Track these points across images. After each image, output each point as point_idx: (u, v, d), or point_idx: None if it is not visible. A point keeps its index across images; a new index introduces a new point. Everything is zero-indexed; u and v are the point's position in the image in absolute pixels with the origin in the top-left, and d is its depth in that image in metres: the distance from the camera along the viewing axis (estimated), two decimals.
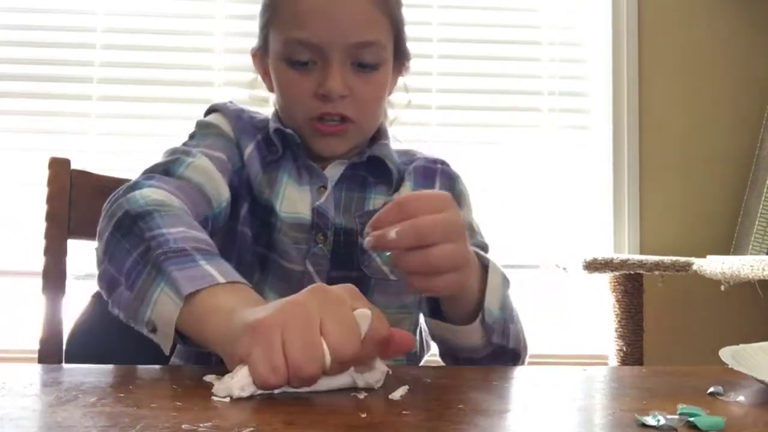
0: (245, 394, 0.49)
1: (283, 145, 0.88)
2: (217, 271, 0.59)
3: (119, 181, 1.03)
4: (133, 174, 1.04)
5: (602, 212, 2.15)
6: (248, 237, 0.85)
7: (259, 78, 0.93)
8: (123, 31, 2.11)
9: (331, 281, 0.82)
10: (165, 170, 0.78)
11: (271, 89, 0.91)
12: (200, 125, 0.90)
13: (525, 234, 2.10)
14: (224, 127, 0.88)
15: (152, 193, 0.70)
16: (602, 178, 2.16)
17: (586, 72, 2.21)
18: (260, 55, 0.91)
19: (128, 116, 2.09)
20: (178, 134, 0.94)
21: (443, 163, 0.96)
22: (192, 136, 0.89)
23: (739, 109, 2.16)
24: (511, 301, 0.79)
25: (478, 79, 2.17)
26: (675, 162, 2.15)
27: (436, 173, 0.94)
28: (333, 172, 0.89)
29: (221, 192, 0.81)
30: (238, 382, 0.49)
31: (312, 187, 0.87)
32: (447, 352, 0.81)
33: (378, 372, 0.54)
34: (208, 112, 0.92)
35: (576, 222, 2.15)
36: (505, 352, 0.77)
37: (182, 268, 0.59)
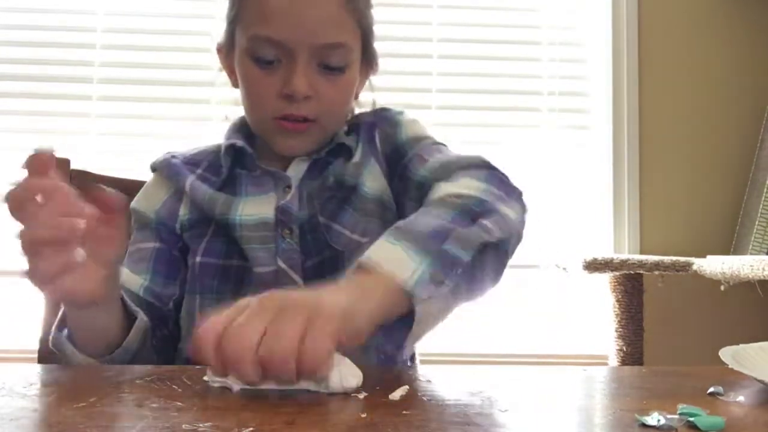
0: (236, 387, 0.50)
1: (236, 160, 0.88)
2: None
3: (119, 181, 1.03)
4: (132, 174, 1.04)
5: (602, 212, 2.15)
6: (211, 264, 0.84)
7: (224, 74, 0.92)
8: (123, 31, 2.11)
9: (307, 273, 0.83)
10: None
11: (235, 85, 0.90)
12: (131, 213, 0.90)
13: (525, 234, 2.09)
14: (153, 199, 0.89)
15: None
16: (602, 178, 2.16)
17: (586, 72, 2.21)
18: (225, 51, 0.90)
19: (128, 116, 2.09)
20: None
21: (382, 110, 0.94)
22: (131, 229, 0.90)
23: (739, 109, 2.15)
24: (427, 218, 0.66)
25: (478, 79, 2.17)
26: (675, 162, 2.15)
27: (375, 124, 0.91)
28: (297, 169, 0.88)
29: (132, 283, 0.83)
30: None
31: (277, 191, 0.87)
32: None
33: (354, 379, 0.53)
34: (151, 170, 0.93)
35: (576, 222, 2.15)
36: (475, 261, 0.65)
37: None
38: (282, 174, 0.87)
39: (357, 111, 0.96)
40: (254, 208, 0.85)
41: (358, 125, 0.92)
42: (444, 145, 0.89)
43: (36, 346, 0.93)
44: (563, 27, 2.21)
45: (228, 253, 0.85)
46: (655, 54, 2.16)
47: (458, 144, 2.33)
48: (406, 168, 0.85)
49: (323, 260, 0.84)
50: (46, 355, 0.93)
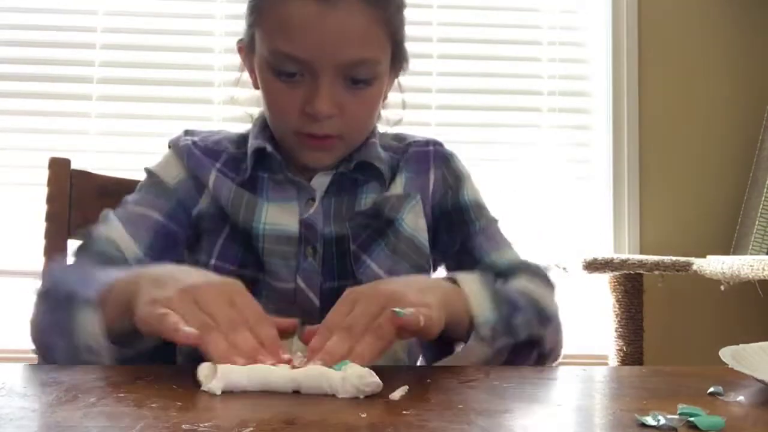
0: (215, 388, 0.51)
1: (259, 161, 0.84)
2: (115, 272, 0.67)
3: (119, 182, 1.03)
4: (132, 174, 1.04)
5: (602, 212, 2.15)
6: (225, 270, 0.81)
7: (246, 73, 0.88)
8: (123, 31, 2.11)
9: (324, 295, 0.81)
10: (82, 247, 0.82)
11: (256, 86, 0.86)
12: (146, 173, 0.88)
13: (525, 234, 2.10)
14: (168, 176, 0.86)
15: (61, 272, 0.77)
16: (602, 178, 2.16)
17: (586, 72, 2.21)
18: (246, 50, 0.85)
19: (128, 116, 2.09)
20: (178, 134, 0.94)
21: (436, 143, 0.93)
22: (138, 188, 0.88)
23: (739, 109, 2.15)
24: (509, 291, 0.74)
25: (478, 79, 2.17)
26: (675, 162, 2.15)
27: (429, 156, 0.90)
28: (320, 181, 0.85)
29: (127, 253, 0.80)
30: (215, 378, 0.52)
31: (300, 201, 0.84)
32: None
33: (373, 383, 0.53)
34: (168, 146, 0.90)
35: (576, 222, 2.15)
36: (520, 347, 0.72)
37: (83, 286, 0.65)
38: (306, 185, 0.84)
39: (384, 113, 0.92)
40: (278, 217, 0.82)
41: (403, 150, 0.90)
42: (494, 219, 0.91)
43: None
44: (563, 27, 2.21)
45: (243, 262, 0.82)
46: (655, 54, 2.16)
47: (458, 144, 2.33)
48: (470, 239, 0.87)
49: (344, 287, 0.79)
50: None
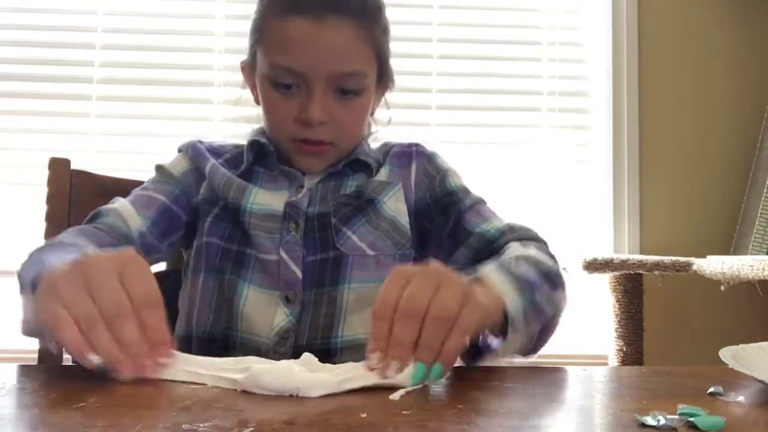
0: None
1: (255, 156, 0.92)
2: (53, 258, 0.67)
3: (119, 182, 1.03)
4: (132, 174, 1.05)
5: (602, 212, 2.15)
6: (214, 244, 0.88)
7: (248, 90, 0.97)
8: (123, 31, 2.11)
9: (306, 267, 0.86)
10: (87, 221, 0.87)
11: (257, 102, 0.95)
12: (155, 171, 0.95)
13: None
14: (173, 168, 0.94)
15: (40, 247, 0.79)
16: (602, 178, 2.16)
17: (586, 72, 2.21)
18: (248, 69, 0.95)
19: (128, 116, 2.09)
20: (179, 134, 0.95)
21: (417, 145, 0.99)
22: (148, 180, 0.95)
23: (739, 109, 2.16)
24: (519, 267, 0.73)
25: (478, 79, 2.17)
26: (675, 162, 2.15)
27: (411, 155, 0.96)
28: (312, 176, 0.92)
29: (131, 224, 0.86)
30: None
31: (290, 189, 0.91)
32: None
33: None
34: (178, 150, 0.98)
35: (576, 222, 2.15)
36: (549, 326, 0.76)
37: (30, 270, 0.68)
38: (297, 174, 0.91)
39: (374, 128, 1.00)
40: (266, 199, 0.89)
41: (386, 151, 0.97)
42: (480, 200, 0.95)
43: (36, 346, 0.93)
44: (563, 27, 2.21)
45: (230, 237, 0.88)
46: (655, 54, 2.16)
47: (458, 144, 2.30)
48: (461, 216, 0.91)
49: (326, 259, 0.87)
50: (46, 355, 0.93)
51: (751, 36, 2.17)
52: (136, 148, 2.06)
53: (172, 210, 0.90)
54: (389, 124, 1.02)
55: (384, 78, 0.94)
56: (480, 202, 0.94)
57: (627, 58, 2.14)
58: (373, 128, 1.01)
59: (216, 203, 0.90)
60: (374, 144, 0.99)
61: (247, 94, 0.97)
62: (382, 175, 0.93)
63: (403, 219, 0.91)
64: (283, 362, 0.56)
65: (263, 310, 0.84)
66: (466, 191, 0.95)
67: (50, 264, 0.64)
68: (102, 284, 0.56)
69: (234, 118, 2.07)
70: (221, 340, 0.84)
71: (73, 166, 1.02)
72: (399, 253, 0.90)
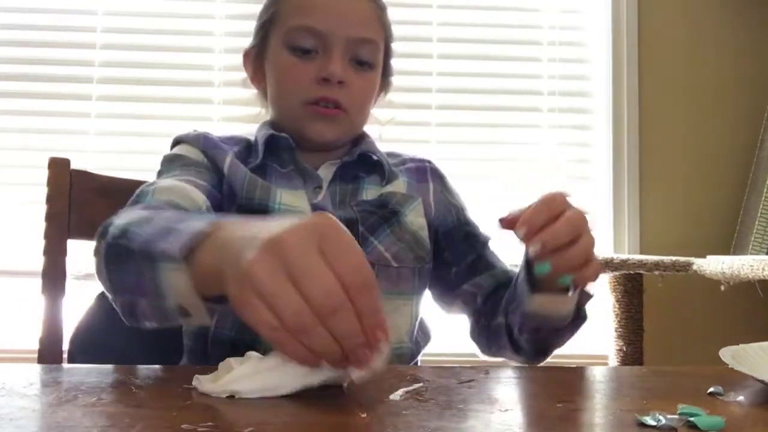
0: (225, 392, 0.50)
1: (268, 153, 0.90)
2: (198, 222, 0.58)
3: (119, 182, 1.03)
4: (132, 174, 1.04)
5: (602, 212, 2.15)
6: None
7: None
8: (123, 31, 2.11)
9: None
10: (133, 203, 0.78)
11: (259, 86, 0.96)
12: (165, 160, 0.90)
13: None
14: (191, 155, 0.89)
15: (122, 220, 0.68)
16: (602, 178, 2.16)
17: (586, 72, 2.21)
18: (253, 54, 0.96)
19: (128, 116, 2.09)
20: (178, 134, 0.94)
21: (429, 162, 1.03)
22: (159, 173, 0.88)
23: (739, 109, 2.15)
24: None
25: (478, 79, 2.17)
26: (675, 162, 2.15)
27: (426, 171, 1.00)
28: (325, 173, 0.92)
29: (196, 200, 0.79)
30: (225, 382, 0.50)
31: (307, 189, 0.90)
32: (532, 326, 0.80)
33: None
34: (174, 144, 0.93)
35: None
36: (581, 316, 0.81)
37: (166, 240, 0.58)
38: (314, 173, 0.91)
39: (378, 127, 1.03)
40: (290, 200, 0.88)
41: (401, 161, 0.99)
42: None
43: (36, 346, 0.93)
44: (563, 27, 2.21)
45: None
46: (656, 54, 2.16)
47: (458, 144, 2.30)
48: (484, 251, 0.96)
49: None
50: (46, 355, 0.93)
51: (751, 36, 2.17)
52: (136, 148, 2.06)
53: (213, 194, 0.86)
54: (392, 123, 1.04)
55: (386, 72, 0.98)
56: (490, 238, 0.98)
57: (627, 58, 2.14)
58: (376, 127, 1.02)
59: (233, 202, 0.87)
60: (379, 144, 0.99)
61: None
62: (401, 187, 0.95)
63: (424, 233, 0.93)
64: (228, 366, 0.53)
65: None
66: (478, 225, 0.99)
67: (197, 229, 0.56)
68: (308, 270, 0.46)
69: (234, 118, 2.07)
70: (243, 348, 0.81)
71: (73, 166, 1.02)
72: (419, 267, 0.91)
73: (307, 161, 0.92)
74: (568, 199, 0.70)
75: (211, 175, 0.88)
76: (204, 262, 0.55)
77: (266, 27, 0.93)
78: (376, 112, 1.01)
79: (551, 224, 0.67)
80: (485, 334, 0.90)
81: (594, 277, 0.72)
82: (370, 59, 0.91)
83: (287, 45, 0.89)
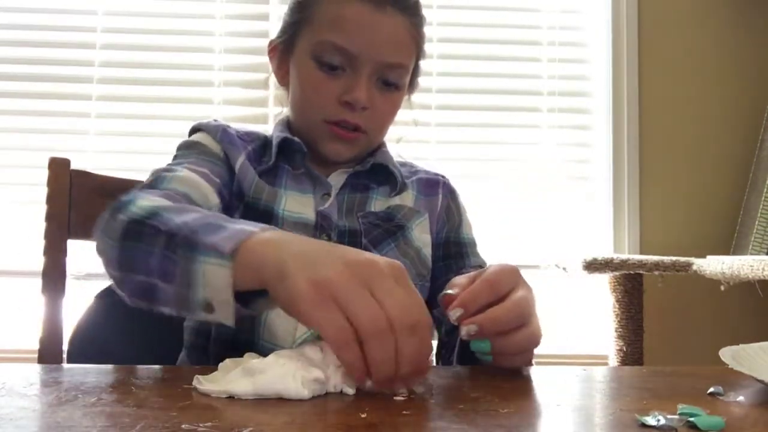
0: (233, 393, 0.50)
1: (282, 154, 0.89)
2: (247, 226, 0.58)
3: (119, 181, 1.03)
4: (132, 174, 1.04)
5: (602, 212, 2.15)
6: None
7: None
8: (123, 31, 2.11)
9: None
10: (149, 186, 0.77)
11: (282, 83, 0.93)
12: (182, 146, 0.89)
13: (525, 234, 2.10)
14: (209, 145, 0.88)
15: (147, 201, 0.67)
16: (602, 178, 2.16)
17: (586, 72, 2.21)
18: (280, 48, 0.92)
19: (128, 116, 2.09)
20: (178, 134, 0.94)
21: (444, 177, 1.01)
22: (175, 158, 0.88)
23: (739, 109, 2.16)
24: None
25: (478, 79, 2.17)
26: (675, 162, 2.15)
27: (438, 185, 0.98)
28: (336, 180, 0.91)
29: (209, 198, 0.80)
30: (229, 382, 0.50)
31: (315, 195, 0.89)
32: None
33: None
34: (192, 131, 0.92)
35: (576, 222, 2.15)
36: None
37: (215, 234, 0.57)
38: (324, 180, 0.90)
39: (393, 129, 0.98)
40: (296, 206, 0.87)
41: (413, 172, 0.98)
42: (483, 264, 0.95)
43: (36, 346, 0.93)
44: (563, 27, 2.21)
45: None
46: (655, 54, 2.16)
47: (458, 144, 2.30)
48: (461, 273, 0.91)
49: None
50: (46, 355, 0.93)
51: (751, 36, 2.17)
52: (136, 148, 2.06)
53: (224, 190, 0.85)
54: (414, 124, 1.02)
55: (412, 81, 0.96)
56: (482, 265, 0.93)
57: (627, 58, 2.14)
58: (394, 130, 0.98)
59: (241, 199, 0.86)
60: (395, 158, 0.97)
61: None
62: (410, 200, 0.94)
63: (427, 250, 0.92)
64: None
65: (287, 319, 0.77)
66: (474, 246, 0.97)
67: (249, 231, 0.56)
68: (389, 290, 0.50)
69: (234, 118, 2.07)
70: (242, 348, 0.81)
71: (73, 166, 1.02)
72: (419, 284, 0.89)
73: (319, 167, 0.91)
74: (516, 277, 0.63)
75: (225, 169, 0.87)
76: (250, 255, 0.54)
77: (296, 27, 0.89)
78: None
79: (494, 306, 0.60)
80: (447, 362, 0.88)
81: (525, 364, 0.65)
82: (398, 81, 0.88)
83: (315, 57, 0.86)
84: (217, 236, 0.57)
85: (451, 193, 0.99)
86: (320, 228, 0.86)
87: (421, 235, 0.92)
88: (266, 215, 0.85)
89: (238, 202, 0.87)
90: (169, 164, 0.84)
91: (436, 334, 0.95)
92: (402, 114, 0.95)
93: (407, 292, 0.51)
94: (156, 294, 0.61)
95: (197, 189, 0.79)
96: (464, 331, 0.60)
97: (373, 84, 0.86)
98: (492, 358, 0.62)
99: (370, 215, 0.89)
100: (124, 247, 0.63)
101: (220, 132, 0.90)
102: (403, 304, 0.50)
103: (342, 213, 0.88)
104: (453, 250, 0.95)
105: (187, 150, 0.88)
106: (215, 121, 0.93)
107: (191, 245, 0.57)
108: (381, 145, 0.96)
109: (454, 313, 0.60)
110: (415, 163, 1.03)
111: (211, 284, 0.56)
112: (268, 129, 0.97)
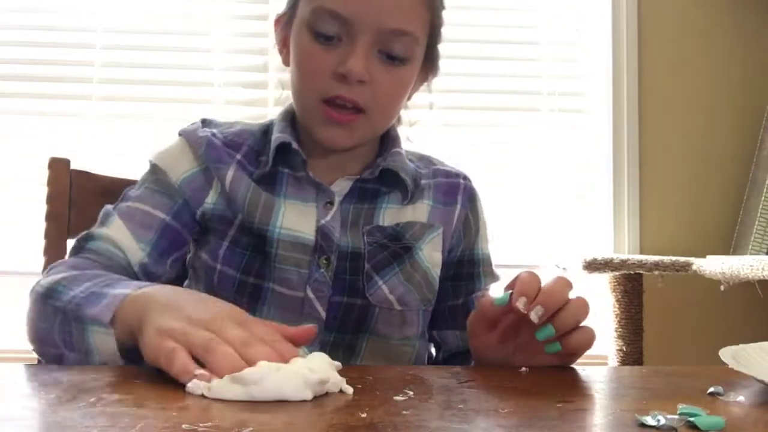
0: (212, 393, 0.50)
1: (280, 156, 0.82)
2: (125, 288, 0.63)
3: (119, 181, 1.03)
4: (132, 174, 1.04)
5: (602, 212, 2.15)
6: (230, 276, 0.80)
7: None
8: (123, 31, 2.11)
9: (331, 307, 0.81)
10: (78, 245, 0.80)
11: (286, 62, 0.84)
12: (149, 168, 0.85)
13: (525, 234, 2.10)
14: (180, 166, 0.83)
15: (49, 278, 0.72)
16: (602, 178, 2.16)
17: (585, 72, 2.21)
18: (284, 22, 0.83)
19: (128, 116, 2.09)
20: (194, 123, 0.92)
21: (465, 177, 0.93)
22: (142, 181, 0.85)
23: (739, 109, 2.15)
24: None
25: (477, 79, 2.17)
26: (675, 162, 2.15)
27: (458, 190, 0.91)
28: (340, 187, 0.84)
29: (133, 255, 0.79)
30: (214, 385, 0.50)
31: (318, 204, 0.82)
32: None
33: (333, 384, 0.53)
34: (178, 136, 0.88)
35: (576, 222, 2.15)
36: None
37: (97, 305, 0.63)
38: (326, 188, 0.83)
39: (406, 114, 0.93)
40: (294, 222, 0.81)
41: (433, 171, 0.91)
42: (497, 277, 0.94)
43: None
44: (562, 27, 2.21)
45: (247, 267, 0.81)
46: (655, 54, 2.16)
47: (457, 144, 2.29)
48: (468, 301, 0.89)
49: (352, 305, 0.82)
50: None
51: (751, 36, 2.17)
52: (137, 148, 2.06)
53: (172, 228, 0.81)
54: (431, 108, 0.96)
55: (431, 57, 0.85)
56: (494, 281, 0.92)
57: (627, 58, 2.14)
58: (406, 114, 0.93)
59: (231, 222, 0.81)
60: (407, 146, 0.91)
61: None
62: (424, 211, 0.86)
63: (435, 271, 0.86)
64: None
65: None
66: (488, 265, 0.92)
67: (123, 295, 0.62)
68: (226, 327, 0.55)
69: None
70: None
71: (73, 166, 1.02)
72: (423, 309, 0.86)
73: (321, 172, 0.83)
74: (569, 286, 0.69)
75: (182, 200, 0.82)
76: (126, 315, 0.61)
77: None
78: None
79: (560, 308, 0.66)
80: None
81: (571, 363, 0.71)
82: (404, 54, 0.77)
83: (309, 27, 0.76)
84: (98, 307, 0.63)
85: (470, 200, 0.92)
86: (320, 250, 0.80)
87: (432, 254, 0.86)
88: (259, 238, 0.80)
89: (225, 225, 0.81)
90: (117, 201, 0.84)
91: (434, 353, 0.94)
92: (417, 98, 0.87)
93: (246, 330, 0.55)
94: (68, 362, 0.66)
95: (119, 248, 0.79)
96: (533, 314, 0.64)
97: (374, 55, 0.76)
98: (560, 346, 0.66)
99: (377, 232, 0.83)
100: (33, 324, 0.71)
101: (203, 147, 0.83)
102: (241, 335, 0.54)
103: (346, 227, 0.82)
104: (465, 270, 0.90)
105: (147, 176, 0.85)
106: (203, 123, 0.88)
107: (79, 318, 0.63)
108: (391, 144, 0.87)
109: (521, 302, 0.64)
110: (434, 157, 0.95)
111: (102, 351, 0.62)
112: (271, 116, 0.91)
